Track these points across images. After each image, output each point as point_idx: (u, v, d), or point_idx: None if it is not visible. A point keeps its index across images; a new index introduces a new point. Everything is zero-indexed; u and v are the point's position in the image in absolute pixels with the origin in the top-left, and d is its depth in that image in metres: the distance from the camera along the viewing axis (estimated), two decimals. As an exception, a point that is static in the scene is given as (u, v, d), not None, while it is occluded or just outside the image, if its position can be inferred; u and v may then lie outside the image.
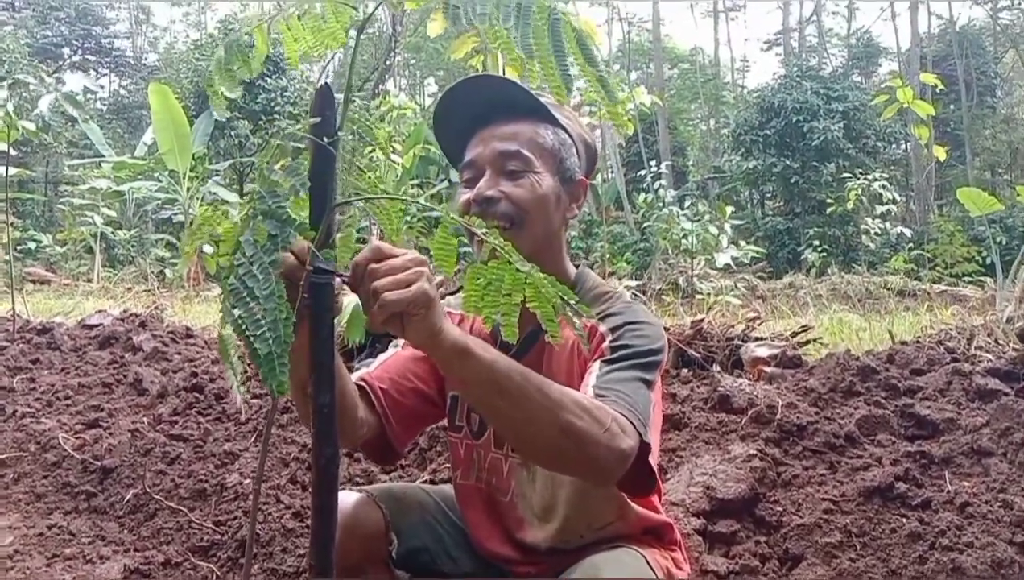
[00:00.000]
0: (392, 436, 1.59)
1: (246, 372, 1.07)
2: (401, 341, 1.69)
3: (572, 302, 1.12)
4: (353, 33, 1.16)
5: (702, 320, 3.86)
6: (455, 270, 1.21)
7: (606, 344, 1.43)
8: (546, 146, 1.53)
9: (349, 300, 4.29)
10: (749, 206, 26.61)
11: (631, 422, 1.28)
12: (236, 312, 1.01)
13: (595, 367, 1.40)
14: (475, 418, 1.63)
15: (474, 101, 1.54)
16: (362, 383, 1.57)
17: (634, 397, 1.33)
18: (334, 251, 1.11)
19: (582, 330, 1.14)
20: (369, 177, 1.23)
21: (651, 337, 1.46)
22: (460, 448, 1.66)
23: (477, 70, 4.81)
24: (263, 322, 1.00)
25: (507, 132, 1.51)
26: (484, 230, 1.12)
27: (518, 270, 1.11)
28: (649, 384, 1.40)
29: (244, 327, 1.00)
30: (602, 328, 1.47)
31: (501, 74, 4.28)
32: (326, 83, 1.10)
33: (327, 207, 1.10)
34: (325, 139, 1.08)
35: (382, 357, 1.68)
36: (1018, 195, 7.50)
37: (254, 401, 3.49)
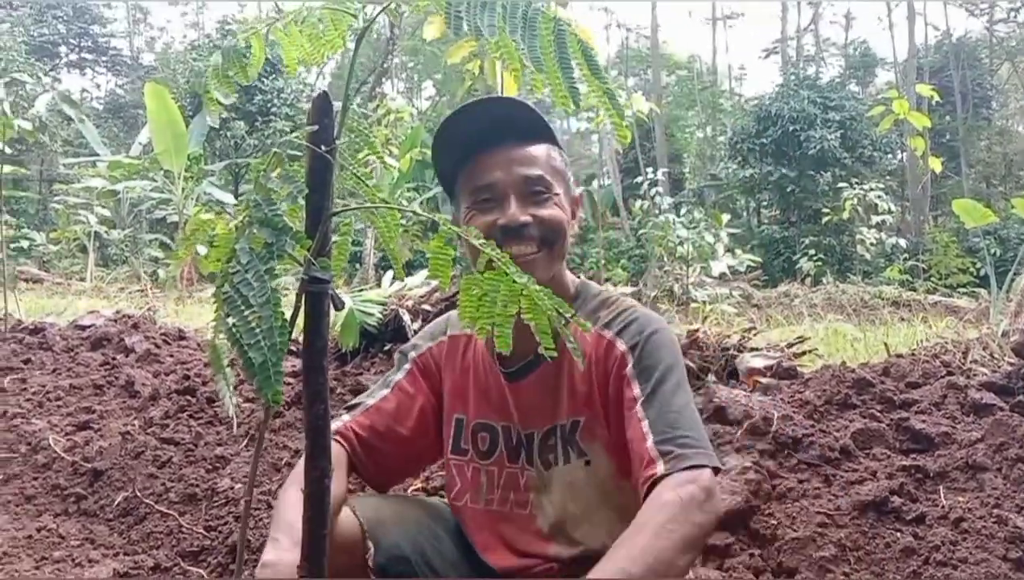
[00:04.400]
0: (374, 484, 1.69)
1: (238, 379, 1.06)
2: (396, 376, 1.69)
3: (568, 315, 1.11)
4: (352, 38, 1.14)
5: (697, 330, 3.84)
6: (451, 278, 1.20)
7: (630, 367, 1.44)
8: (559, 168, 1.56)
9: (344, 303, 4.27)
10: (745, 214, 26.68)
11: (704, 462, 1.33)
12: (230, 320, 0.99)
13: (638, 411, 1.40)
14: (483, 438, 1.62)
15: (480, 121, 1.53)
16: (338, 438, 1.58)
17: (690, 421, 1.37)
18: (330, 260, 1.09)
19: (576, 345, 1.12)
20: (366, 185, 1.22)
21: (671, 341, 1.49)
22: (466, 471, 1.65)
23: (474, 74, 4.80)
24: (258, 330, 0.98)
25: (526, 156, 1.51)
26: (481, 241, 1.10)
27: (514, 281, 1.09)
28: (687, 390, 1.43)
29: (239, 335, 0.99)
30: (619, 346, 1.48)
31: (497, 79, 4.29)
32: (324, 91, 1.09)
33: (323, 215, 1.09)
34: (322, 147, 1.07)
35: (371, 399, 1.67)
36: (1012, 207, 7.52)
37: (246, 405, 3.47)
